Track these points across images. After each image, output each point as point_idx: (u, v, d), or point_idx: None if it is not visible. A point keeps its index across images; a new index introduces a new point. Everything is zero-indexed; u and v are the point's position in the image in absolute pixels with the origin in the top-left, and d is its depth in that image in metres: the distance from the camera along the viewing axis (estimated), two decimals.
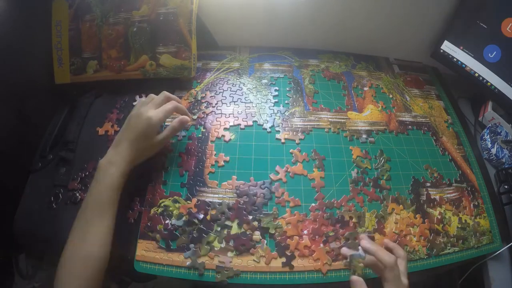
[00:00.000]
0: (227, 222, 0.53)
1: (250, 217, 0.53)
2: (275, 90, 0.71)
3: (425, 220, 0.57)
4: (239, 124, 0.65)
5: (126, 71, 0.67)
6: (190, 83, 0.71)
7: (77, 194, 0.55)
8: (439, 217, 0.58)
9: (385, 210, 0.57)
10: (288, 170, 0.59)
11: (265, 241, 0.52)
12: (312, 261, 0.51)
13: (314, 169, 0.60)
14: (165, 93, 0.55)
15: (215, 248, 0.51)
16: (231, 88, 0.71)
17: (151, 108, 0.52)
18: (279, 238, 0.52)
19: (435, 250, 0.54)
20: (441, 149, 0.68)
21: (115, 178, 0.48)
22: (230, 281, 0.49)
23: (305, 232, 0.53)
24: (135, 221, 0.53)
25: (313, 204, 0.56)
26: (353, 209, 0.56)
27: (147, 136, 0.51)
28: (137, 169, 0.54)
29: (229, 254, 0.50)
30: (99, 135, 0.62)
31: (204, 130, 0.63)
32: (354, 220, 0.55)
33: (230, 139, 0.62)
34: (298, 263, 0.51)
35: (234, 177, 0.57)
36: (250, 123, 0.65)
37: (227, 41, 0.80)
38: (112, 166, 0.48)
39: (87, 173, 0.57)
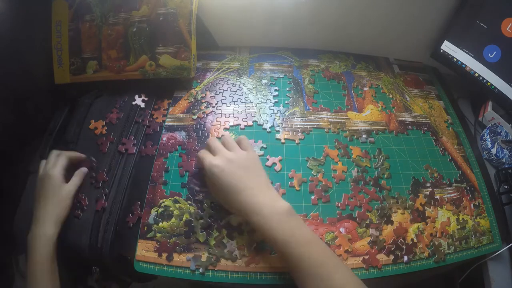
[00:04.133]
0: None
1: None
2: (275, 90, 0.71)
3: (426, 220, 0.57)
4: (239, 124, 0.65)
5: (125, 71, 0.67)
6: (190, 83, 0.71)
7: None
8: (440, 218, 0.58)
9: (386, 210, 0.57)
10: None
11: (255, 244, 0.51)
12: None
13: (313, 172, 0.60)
14: (54, 152, 0.55)
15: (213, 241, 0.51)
16: (231, 88, 0.71)
17: (45, 169, 0.53)
18: None
19: (436, 255, 0.54)
20: (441, 149, 0.68)
21: (43, 249, 0.46)
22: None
23: None
24: (136, 222, 0.53)
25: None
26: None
27: (48, 192, 0.51)
28: (138, 169, 0.54)
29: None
30: (98, 135, 0.62)
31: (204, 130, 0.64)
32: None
33: None
34: None
35: None
36: (250, 123, 0.65)
37: (227, 41, 0.80)
38: (37, 238, 0.47)
39: None
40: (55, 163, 0.53)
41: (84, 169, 0.56)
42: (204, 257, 0.50)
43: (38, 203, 0.50)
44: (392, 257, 0.53)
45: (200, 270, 0.49)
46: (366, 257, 0.52)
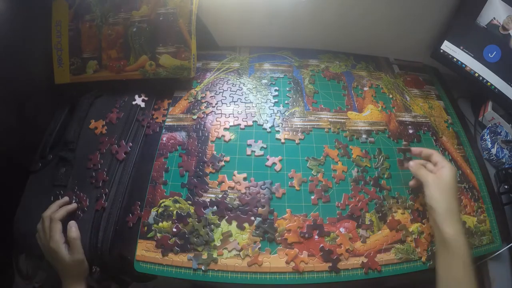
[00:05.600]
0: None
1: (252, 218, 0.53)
2: (275, 90, 0.71)
3: (424, 220, 0.57)
4: (239, 124, 0.65)
5: (125, 71, 0.67)
6: (190, 83, 0.71)
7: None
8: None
9: (386, 209, 0.57)
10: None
11: (260, 245, 0.51)
12: (318, 261, 0.51)
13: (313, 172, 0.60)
14: (43, 216, 0.52)
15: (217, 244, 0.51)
16: (231, 88, 0.71)
17: (45, 241, 0.50)
18: (279, 238, 0.52)
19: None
20: (441, 149, 0.68)
21: None
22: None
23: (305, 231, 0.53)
24: (136, 222, 0.53)
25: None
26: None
27: (57, 263, 0.50)
28: (138, 169, 0.54)
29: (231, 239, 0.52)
30: (98, 135, 0.62)
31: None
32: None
33: (230, 139, 0.62)
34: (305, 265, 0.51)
35: (234, 177, 0.57)
36: (250, 123, 0.65)
37: (227, 41, 0.80)
38: None
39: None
40: (55, 234, 0.50)
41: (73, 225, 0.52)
42: (205, 255, 0.50)
43: (60, 272, 0.51)
44: (393, 252, 0.53)
45: (203, 268, 0.49)
46: (366, 258, 0.52)
